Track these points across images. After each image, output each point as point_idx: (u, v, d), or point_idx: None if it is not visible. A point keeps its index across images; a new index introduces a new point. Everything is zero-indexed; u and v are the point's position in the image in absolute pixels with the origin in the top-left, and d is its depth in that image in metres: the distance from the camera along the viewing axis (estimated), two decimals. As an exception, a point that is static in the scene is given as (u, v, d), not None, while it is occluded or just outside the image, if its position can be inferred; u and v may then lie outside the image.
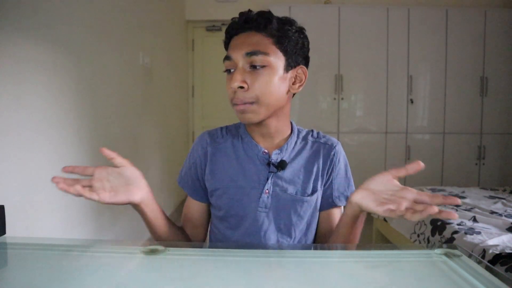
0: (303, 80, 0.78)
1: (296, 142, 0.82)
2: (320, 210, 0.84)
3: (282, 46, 0.73)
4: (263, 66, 0.71)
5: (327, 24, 3.27)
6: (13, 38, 1.24)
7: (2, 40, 1.20)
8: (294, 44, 0.75)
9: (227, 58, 0.74)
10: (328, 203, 0.83)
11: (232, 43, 0.75)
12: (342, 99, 3.33)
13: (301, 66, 0.78)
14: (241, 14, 0.75)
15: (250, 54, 0.71)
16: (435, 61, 3.30)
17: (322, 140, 0.84)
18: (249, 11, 0.75)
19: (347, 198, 0.82)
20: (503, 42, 3.26)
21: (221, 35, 3.78)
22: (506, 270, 1.26)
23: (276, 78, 0.72)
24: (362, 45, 3.28)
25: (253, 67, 0.71)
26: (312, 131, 0.86)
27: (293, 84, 0.77)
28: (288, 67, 0.75)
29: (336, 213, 0.84)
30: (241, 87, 0.70)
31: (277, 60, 0.73)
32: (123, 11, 2.19)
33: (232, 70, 0.73)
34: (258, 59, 0.71)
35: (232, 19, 0.76)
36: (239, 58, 0.72)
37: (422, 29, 3.26)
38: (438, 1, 3.48)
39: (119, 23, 2.13)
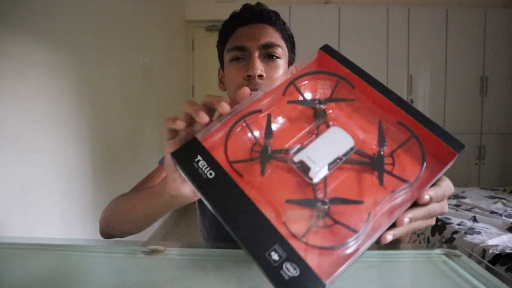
0: None
1: None
2: None
3: (286, 42, 0.75)
4: (278, 57, 0.71)
5: (327, 24, 3.27)
6: (13, 38, 1.24)
7: (2, 40, 1.20)
8: (291, 43, 0.77)
9: (238, 48, 0.71)
10: None
11: (243, 33, 0.72)
12: (342, 99, 3.33)
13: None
14: (248, 6, 0.75)
15: (268, 45, 0.70)
16: (435, 61, 3.30)
17: None
18: (259, 3, 0.75)
19: None
20: (503, 42, 3.26)
21: (221, 35, 3.80)
22: (506, 270, 1.26)
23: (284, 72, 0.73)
24: (362, 45, 3.28)
25: (270, 57, 0.71)
26: None
27: None
28: (289, 63, 0.76)
29: None
30: (260, 76, 0.69)
31: (285, 54, 0.74)
32: (123, 11, 2.19)
33: (242, 59, 0.71)
34: (276, 50, 0.71)
35: (235, 11, 0.75)
36: (255, 47, 0.70)
37: (422, 29, 3.26)
38: (438, 1, 3.48)
39: (119, 23, 2.13)
